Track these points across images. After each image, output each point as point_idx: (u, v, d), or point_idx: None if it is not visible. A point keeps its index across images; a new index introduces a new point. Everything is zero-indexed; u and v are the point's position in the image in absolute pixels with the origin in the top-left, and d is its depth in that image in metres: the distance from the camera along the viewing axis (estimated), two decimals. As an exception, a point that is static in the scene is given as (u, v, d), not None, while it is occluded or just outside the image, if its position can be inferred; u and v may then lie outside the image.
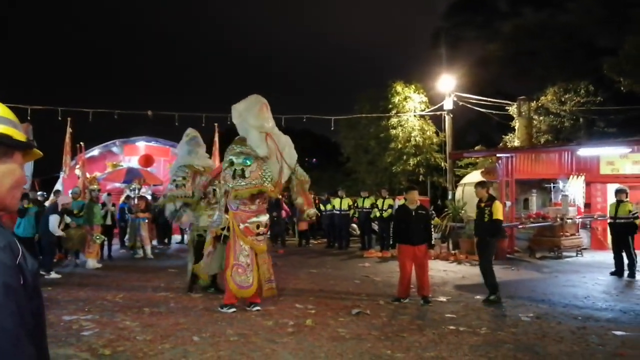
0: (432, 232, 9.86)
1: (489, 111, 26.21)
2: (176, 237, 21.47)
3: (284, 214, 19.89)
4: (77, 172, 18.77)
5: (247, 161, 8.78)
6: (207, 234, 10.41)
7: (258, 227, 8.98)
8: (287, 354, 6.56)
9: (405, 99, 28.93)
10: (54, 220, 12.85)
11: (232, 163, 8.88)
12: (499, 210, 10.13)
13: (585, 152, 17.33)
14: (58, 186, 20.38)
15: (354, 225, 22.16)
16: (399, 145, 28.49)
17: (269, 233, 9.64)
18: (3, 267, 1.45)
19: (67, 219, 13.61)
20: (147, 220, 16.84)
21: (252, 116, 8.93)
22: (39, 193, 16.80)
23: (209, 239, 10.10)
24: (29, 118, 18.36)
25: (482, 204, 10.31)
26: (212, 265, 10.03)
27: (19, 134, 1.61)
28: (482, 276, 10.37)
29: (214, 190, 10.71)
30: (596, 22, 26.74)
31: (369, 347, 6.90)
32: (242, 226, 8.93)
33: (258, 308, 8.95)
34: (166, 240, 20.59)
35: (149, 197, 19.98)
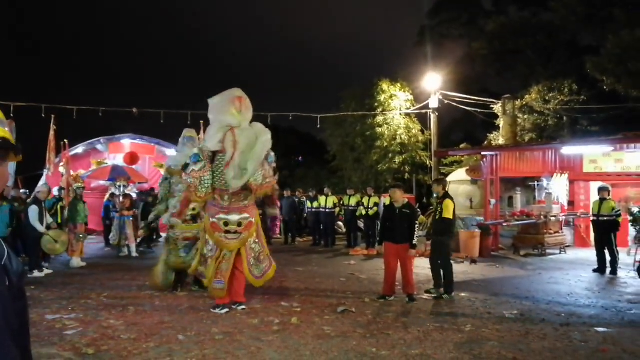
0: (416, 232, 9.79)
1: (474, 109, 26.32)
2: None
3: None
4: (62, 169, 18.63)
5: (194, 159, 8.50)
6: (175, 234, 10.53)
7: (226, 224, 8.63)
8: (273, 352, 6.56)
9: (391, 97, 29.06)
10: (32, 212, 12.59)
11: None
12: (448, 209, 10.25)
13: (568, 150, 17.44)
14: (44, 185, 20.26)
15: (340, 223, 22.21)
16: (385, 144, 28.61)
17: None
18: None
19: (49, 219, 13.38)
20: (132, 219, 16.76)
21: (219, 109, 8.58)
22: (22, 191, 16.68)
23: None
24: (11, 115, 18.21)
25: (436, 202, 10.48)
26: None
27: (10, 135, 1.61)
28: (433, 272, 10.58)
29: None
30: (579, 21, 26.84)
31: (354, 344, 6.91)
32: (210, 220, 8.77)
33: (243, 307, 8.87)
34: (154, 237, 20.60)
35: (134, 195, 19.89)
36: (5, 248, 1.54)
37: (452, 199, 10.58)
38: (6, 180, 1.62)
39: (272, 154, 8.87)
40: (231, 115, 8.48)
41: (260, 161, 8.53)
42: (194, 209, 10.37)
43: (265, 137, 8.63)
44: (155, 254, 16.00)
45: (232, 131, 8.44)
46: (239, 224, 8.68)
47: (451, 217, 10.34)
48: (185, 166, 8.65)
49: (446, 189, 10.93)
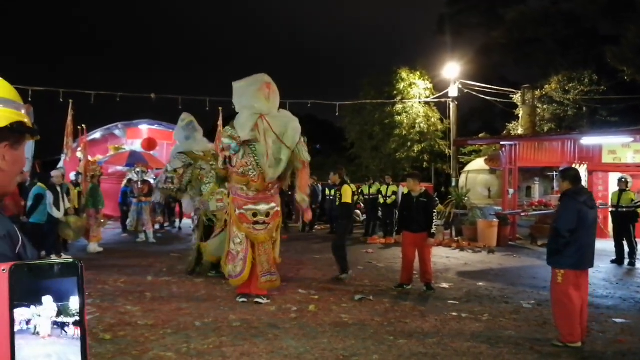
0: (433, 221, 9.74)
1: (493, 99, 26.16)
2: (187, 222, 21.40)
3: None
4: (79, 154, 18.70)
5: (236, 148, 8.37)
6: (216, 218, 10.47)
7: (255, 215, 8.42)
8: (290, 339, 6.56)
9: (410, 85, 28.92)
10: (48, 197, 12.56)
11: (223, 148, 8.58)
12: (346, 194, 10.53)
13: (587, 141, 17.30)
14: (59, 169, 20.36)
15: (358, 212, 22.16)
16: (404, 132, 28.50)
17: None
18: (3, 259, 1.43)
19: (67, 204, 13.39)
20: (149, 204, 16.81)
21: (248, 95, 8.36)
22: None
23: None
24: (29, 99, 18.29)
25: (335, 189, 10.93)
26: (219, 247, 9.75)
27: (26, 117, 1.59)
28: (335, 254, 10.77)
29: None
30: (599, 10, 26.54)
31: (372, 332, 6.91)
32: (237, 212, 8.47)
33: (259, 301, 8.48)
34: (174, 222, 20.81)
35: (152, 181, 19.95)
36: (19, 235, 1.52)
37: (349, 184, 10.90)
38: (22, 165, 1.60)
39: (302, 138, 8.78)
40: (260, 102, 8.31)
41: (293, 148, 8.41)
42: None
43: (294, 123, 8.52)
44: (173, 239, 16.03)
45: (263, 118, 8.26)
46: (267, 214, 8.53)
47: (350, 201, 10.57)
48: (229, 159, 8.46)
49: (343, 177, 11.09)
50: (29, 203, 12.17)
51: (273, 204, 8.63)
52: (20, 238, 1.52)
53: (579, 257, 6.40)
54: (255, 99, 8.30)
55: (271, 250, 8.66)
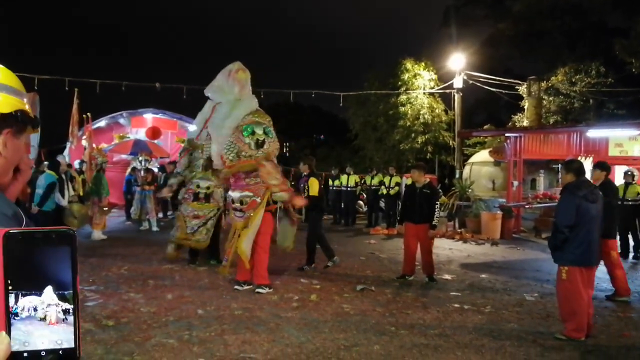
0: (436, 212, 9.69)
1: (499, 90, 26.07)
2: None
3: None
4: (84, 142, 18.74)
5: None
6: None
7: (233, 202, 8.66)
8: (292, 328, 6.56)
9: (414, 76, 28.80)
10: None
11: (253, 132, 8.53)
12: (313, 187, 10.53)
13: (594, 133, 17.20)
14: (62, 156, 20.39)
15: (361, 202, 22.15)
16: (408, 123, 28.41)
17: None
18: None
19: (71, 191, 13.40)
20: (153, 193, 16.84)
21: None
22: (45, 163, 16.78)
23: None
24: (35, 88, 18.30)
25: (304, 181, 10.90)
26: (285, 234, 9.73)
27: (28, 107, 1.59)
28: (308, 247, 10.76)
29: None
30: (607, 2, 26.40)
31: (373, 323, 6.90)
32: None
33: (260, 291, 8.42)
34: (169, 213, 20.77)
35: (156, 170, 19.97)
36: (23, 216, 1.53)
37: (317, 177, 10.92)
38: (21, 154, 1.60)
39: (265, 128, 8.63)
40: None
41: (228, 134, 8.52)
42: (208, 188, 10.36)
43: (237, 111, 8.66)
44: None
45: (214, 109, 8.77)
46: (241, 202, 8.53)
47: (317, 194, 10.54)
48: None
49: (312, 168, 11.06)
50: (40, 191, 12.14)
51: (248, 192, 8.56)
52: (24, 219, 1.53)
53: (581, 253, 6.30)
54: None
55: (237, 239, 8.55)
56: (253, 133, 8.44)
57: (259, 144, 8.40)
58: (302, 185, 10.71)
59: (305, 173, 10.92)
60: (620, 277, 8.82)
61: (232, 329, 6.45)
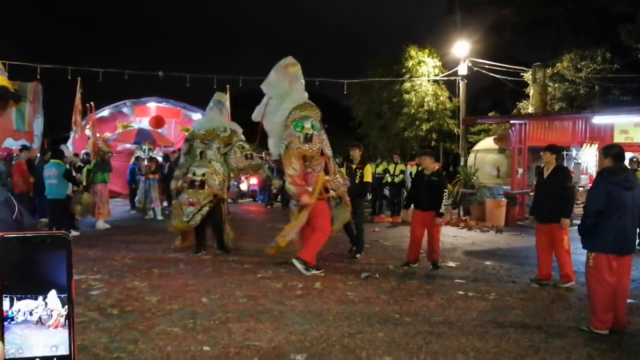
0: (443, 200, 9.66)
1: (504, 77, 25.95)
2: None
3: None
4: (88, 132, 18.74)
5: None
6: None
7: (290, 191, 9.25)
8: (296, 316, 6.56)
9: (419, 63, 28.62)
10: None
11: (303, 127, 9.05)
12: (367, 173, 10.69)
13: (599, 120, 17.13)
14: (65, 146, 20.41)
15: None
16: (412, 111, 28.26)
17: (278, 198, 9.66)
18: (2, 224, 1.42)
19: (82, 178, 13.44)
20: (157, 182, 16.84)
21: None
22: (49, 153, 16.80)
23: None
24: (38, 77, 18.30)
25: (354, 166, 10.82)
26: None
27: (8, 82, 1.57)
28: (358, 233, 10.82)
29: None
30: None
31: (377, 310, 6.91)
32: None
33: (297, 264, 8.95)
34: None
35: (160, 159, 19.98)
36: (15, 202, 1.52)
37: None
38: (6, 133, 1.60)
39: (312, 121, 9.09)
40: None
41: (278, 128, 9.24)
42: (203, 175, 10.41)
43: (284, 105, 9.20)
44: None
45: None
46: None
47: (370, 180, 11.10)
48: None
49: (364, 155, 11.51)
50: (54, 181, 12.17)
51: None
52: (16, 205, 1.52)
53: (611, 240, 6.09)
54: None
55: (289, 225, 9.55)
56: (302, 128, 8.99)
57: (308, 138, 8.95)
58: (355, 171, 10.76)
59: (357, 159, 10.91)
60: None
61: (236, 317, 6.46)
